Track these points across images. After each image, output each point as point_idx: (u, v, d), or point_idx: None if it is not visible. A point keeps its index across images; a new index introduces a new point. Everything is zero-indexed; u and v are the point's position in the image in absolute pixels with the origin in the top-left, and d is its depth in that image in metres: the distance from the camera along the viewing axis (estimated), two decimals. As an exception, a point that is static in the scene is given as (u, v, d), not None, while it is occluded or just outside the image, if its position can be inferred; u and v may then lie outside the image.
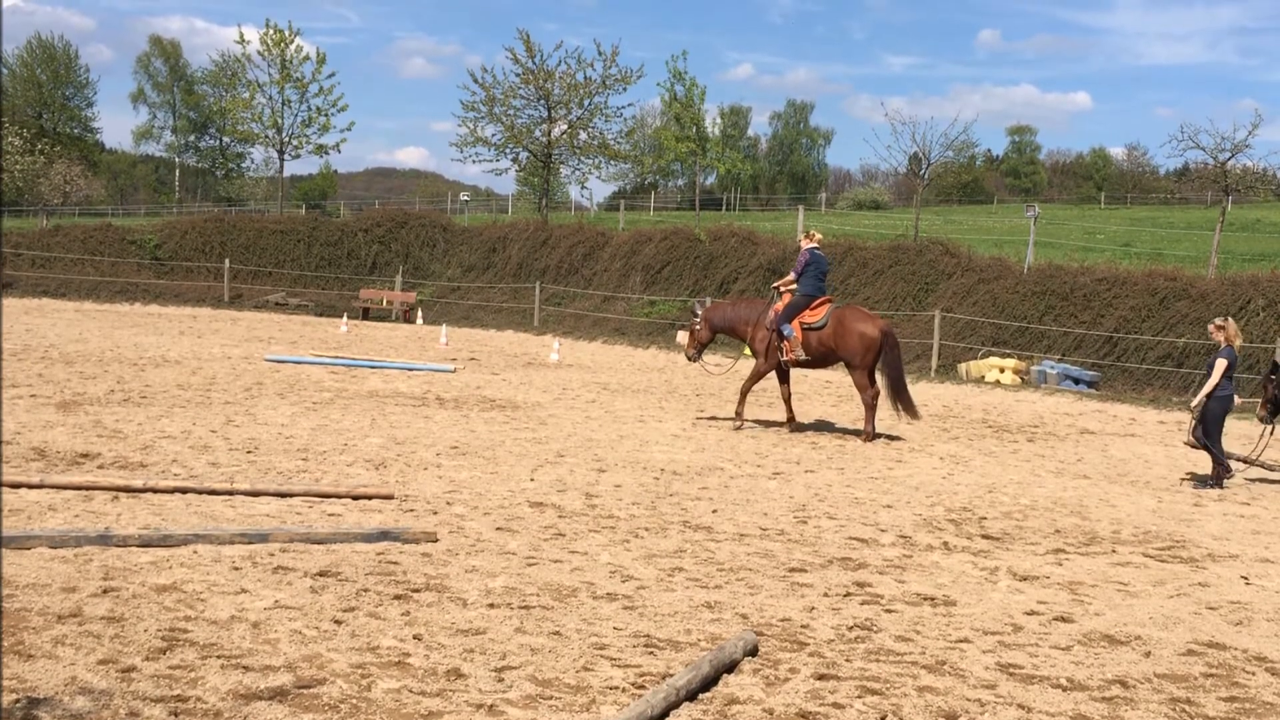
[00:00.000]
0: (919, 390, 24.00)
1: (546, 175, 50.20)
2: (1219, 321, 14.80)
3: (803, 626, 7.52)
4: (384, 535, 9.04)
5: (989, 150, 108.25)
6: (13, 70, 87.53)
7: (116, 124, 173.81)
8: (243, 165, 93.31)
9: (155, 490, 10.28)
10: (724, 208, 78.36)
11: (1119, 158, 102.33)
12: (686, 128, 50.88)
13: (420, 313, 38.99)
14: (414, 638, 6.85)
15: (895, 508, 11.70)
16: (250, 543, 8.67)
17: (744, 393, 17.54)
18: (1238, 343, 14.69)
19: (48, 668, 6.02)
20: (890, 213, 66.73)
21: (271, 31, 50.37)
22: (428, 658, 6.53)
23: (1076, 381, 25.28)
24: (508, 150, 48.80)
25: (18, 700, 5.59)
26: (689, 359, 18.18)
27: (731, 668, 6.60)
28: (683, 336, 33.38)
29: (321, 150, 52.34)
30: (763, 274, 35.32)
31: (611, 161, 53.28)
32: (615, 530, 9.99)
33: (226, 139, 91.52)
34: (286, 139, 50.74)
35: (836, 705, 6.18)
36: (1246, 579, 9.49)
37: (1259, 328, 25.31)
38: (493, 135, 48.31)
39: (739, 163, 61.02)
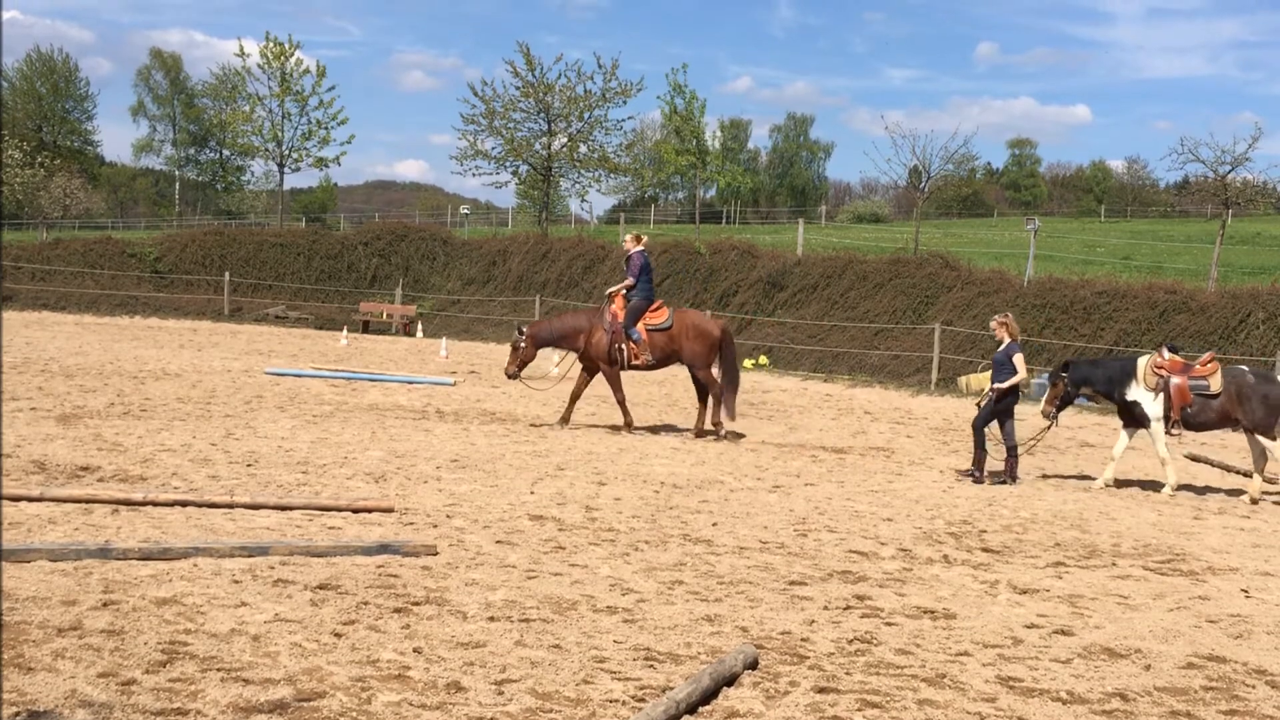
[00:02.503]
0: (920, 403, 24.02)
1: (546, 188, 50.24)
2: (1000, 318, 15.11)
3: (803, 640, 7.52)
4: (384, 548, 9.04)
5: (989, 163, 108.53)
6: (12, 83, 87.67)
7: (116, 137, 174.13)
8: (243, 178, 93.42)
9: (155, 503, 10.28)
10: (724, 221, 78.46)
11: (1119, 171, 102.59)
12: (686, 141, 50.92)
13: (420, 326, 39.01)
14: (414, 651, 6.84)
15: (895, 521, 11.70)
16: (250, 556, 8.67)
17: (620, 403, 17.54)
18: (1020, 337, 15.04)
19: (48, 681, 6.02)
20: (890, 226, 66.84)
21: (271, 45, 50.45)
22: (428, 671, 6.53)
23: (1076, 395, 25.26)
24: (507, 163, 48.84)
25: (18, 713, 5.59)
26: (509, 376, 17.92)
27: (731, 681, 6.60)
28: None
29: (321, 163, 52.37)
30: (762, 287, 35.38)
31: (611, 174, 53.28)
32: (615, 543, 9.99)
33: (226, 152, 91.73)
34: (286, 152, 50.79)
35: (837, 718, 6.18)
36: (1246, 592, 9.49)
37: (1259, 341, 25.33)
38: (492, 148, 48.38)
39: (739, 176, 61.05)
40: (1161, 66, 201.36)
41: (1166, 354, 14.69)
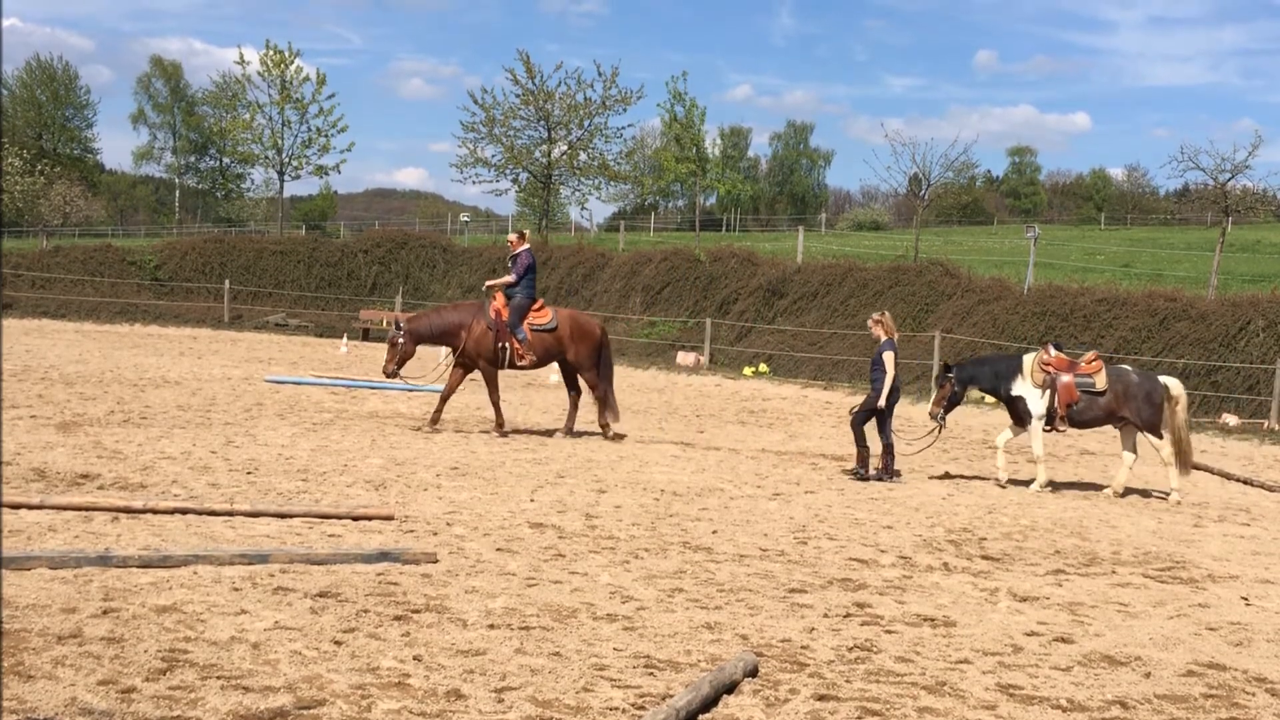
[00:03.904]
0: (920, 410, 24.00)
1: (546, 196, 50.31)
2: (877, 316, 15.41)
3: (803, 647, 7.52)
4: (384, 556, 9.04)
5: (989, 171, 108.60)
6: (12, 91, 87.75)
7: (116, 145, 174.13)
8: (243, 186, 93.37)
9: (155, 511, 10.28)
10: (724, 228, 78.55)
11: (1119, 178, 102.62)
12: (686, 149, 50.94)
13: (420, 333, 38.95)
14: (414, 658, 6.84)
15: (895, 528, 11.70)
16: (250, 563, 8.67)
17: (496, 404, 17.28)
18: (896, 335, 15.28)
19: (48, 688, 6.01)
20: (890, 233, 66.88)
21: (271, 52, 50.51)
22: (428, 678, 6.53)
23: (1076, 402, 25.25)
24: (507, 171, 48.92)
25: (18, 721, 5.59)
26: (387, 375, 17.54)
27: (731, 688, 6.60)
28: (685, 357, 33.45)
29: (321, 171, 52.45)
30: (762, 294, 35.39)
31: (611, 182, 53.46)
32: (615, 551, 9.99)
33: (226, 160, 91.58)
34: (286, 160, 50.84)
35: (837, 726, 6.18)
36: (1246, 600, 9.49)
37: (1259, 349, 25.33)
38: (492, 156, 48.46)
39: (739, 184, 61.04)
40: (1162, 74, 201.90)
41: (1053, 351, 14.96)
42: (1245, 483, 16.09)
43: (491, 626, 7.55)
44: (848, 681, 6.87)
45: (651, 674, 6.82)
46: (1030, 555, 10.79)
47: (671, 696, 6.32)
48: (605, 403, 17.40)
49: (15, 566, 8.10)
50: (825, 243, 51.82)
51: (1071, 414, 14.72)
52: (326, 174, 53.12)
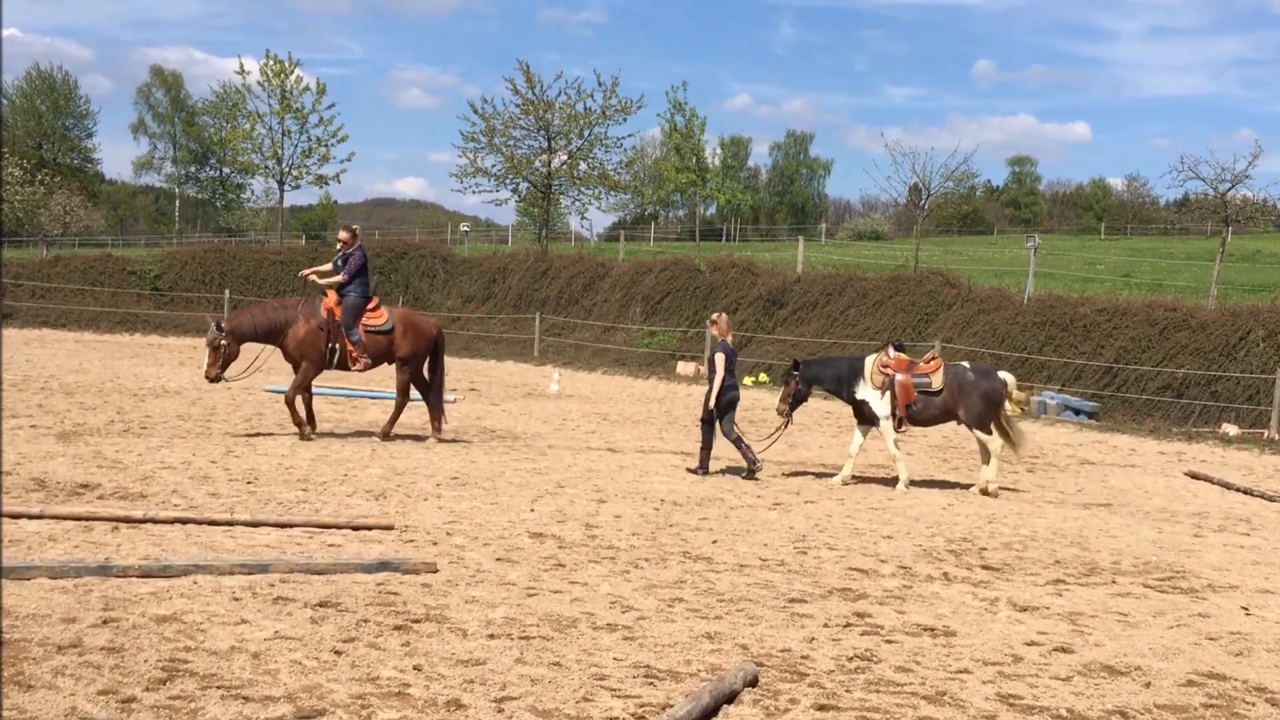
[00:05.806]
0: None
1: (546, 206, 50.31)
2: (714, 317, 15.79)
3: (803, 657, 7.51)
4: (384, 566, 9.04)
5: (989, 181, 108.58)
6: (12, 101, 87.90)
7: (117, 154, 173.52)
8: (243, 196, 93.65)
9: (155, 521, 10.28)
10: (724, 238, 78.54)
11: (1119, 188, 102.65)
12: (686, 158, 51.00)
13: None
14: (414, 668, 6.84)
15: (895, 538, 11.70)
16: (250, 573, 8.67)
17: (292, 403, 16.45)
18: (729, 337, 15.58)
19: (48, 698, 6.01)
20: (890, 243, 66.93)
21: (271, 62, 50.58)
22: (428, 688, 6.52)
23: (1076, 412, 25.28)
24: (507, 181, 48.94)
25: (17, 731, 5.58)
26: (210, 380, 16.31)
27: (731, 698, 6.59)
28: (686, 367, 33.46)
29: (321, 181, 52.52)
30: (762, 304, 35.40)
31: (611, 192, 53.41)
32: (615, 561, 9.99)
33: (226, 169, 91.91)
34: (286, 169, 50.90)
35: (837, 736, 6.17)
36: (1246, 609, 9.49)
37: (1259, 358, 25.33)
38: (492, 166, 48.48)
39: (739, 193, 61.21)
40: (1163, 84, 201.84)
41: (892, 352, 15.34)
42: (1245, 492, 16.08)
43: (491, 636, 7.55)
44: (848, 691, 6.87)
45: (651, 684, 6.82)
46: (1030, 565, 10.79)
47: (671, 706, 6.32)
48: (438, 406, 17.02)
49: (15, 576, 8.10)
50: (825, 252, 51.83)
51: (911, 413, 15.12)
52: (326, 183, 53.27)
